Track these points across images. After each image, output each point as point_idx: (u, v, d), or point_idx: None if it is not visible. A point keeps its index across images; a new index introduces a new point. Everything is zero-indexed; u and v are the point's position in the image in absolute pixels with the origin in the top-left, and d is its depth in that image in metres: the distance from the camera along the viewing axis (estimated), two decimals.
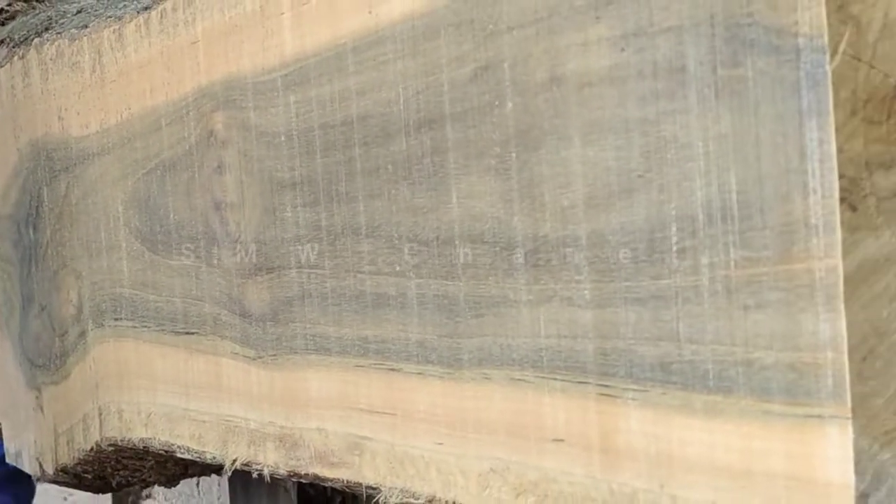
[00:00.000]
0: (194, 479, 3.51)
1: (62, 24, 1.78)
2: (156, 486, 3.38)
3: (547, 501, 0.96)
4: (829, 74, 0.73)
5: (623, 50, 0.86)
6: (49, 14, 1.88)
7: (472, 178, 1.00)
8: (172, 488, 3.27)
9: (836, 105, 0.73)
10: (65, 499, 4.72)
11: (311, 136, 1.19)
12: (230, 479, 2.38)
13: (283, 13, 1.22)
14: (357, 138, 1.13)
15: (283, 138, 1.23)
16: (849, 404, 0.73)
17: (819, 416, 0.75)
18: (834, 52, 0.73)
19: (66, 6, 1.91)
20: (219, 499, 3.33)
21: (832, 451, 0.74)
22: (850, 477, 0.73)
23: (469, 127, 1.00)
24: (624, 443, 0.89)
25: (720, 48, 0.79)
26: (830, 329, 0.74)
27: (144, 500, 3.84)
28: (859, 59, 0.74)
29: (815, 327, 0.75)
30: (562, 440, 0.94)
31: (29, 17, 1.97)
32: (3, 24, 2.03)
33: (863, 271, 0.74)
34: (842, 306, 0.73)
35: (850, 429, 0.73)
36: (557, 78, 0.91)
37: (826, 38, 0.73)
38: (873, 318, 0.74)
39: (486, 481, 1.02)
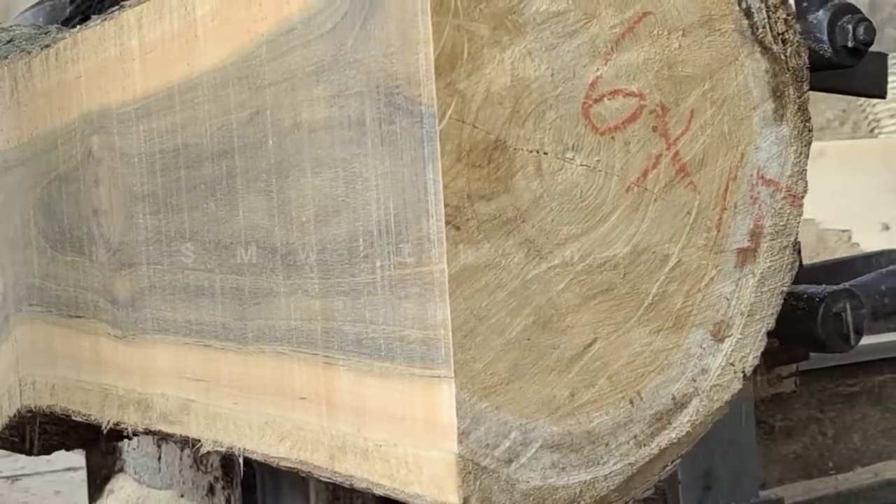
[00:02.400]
0: (156, 454, 3.80)
1: None
2: (127, 461, 3.69)
3: (297, 445, 1.26)
4: (438, 133, 1.02)
5: (332, 106, 1.15)
6: None
7: (251, 198, 1.30)
8: (140, 462, 3.57)
9: (443, 154, 1.02)
10: None
11: (154, 158, 1.49)
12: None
13: (134, 59, 1.51)
14: (182, 162, 1.43)
15: (136, 159, 1.53)
16: (453, 367, 1.03)
17: (438, 377, 1.04)
18: (442, 117, 1.02)
19: (3, 34, 2.21)
20: (180, 472, 3.62)
21: (445, 401, 1.04)
22: (454, 419, 1.03)
23: (249, 158, 1.30)
24: (339, 399, 1.19)
25: (383, 109, 1.08)
26: (442, 314, 1.03)
27: (117, 472, 4.14)
28: (463, 122, 1.03)
29: (435, 312, 1.04)
30: (304, 398, 1.24)
31: None
32: None
33: (465, 273, 1.03)
34: (448, 298, 1.02)
35: (453, 385, 1.03)
36: (297, 124, 1.21)
37: (436, 107, 1.02)
38: (474, 307, 1.04)
39: (263, 431, 1.32)
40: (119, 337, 1.63)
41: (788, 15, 1.21)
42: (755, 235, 1.18)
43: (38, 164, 1.85)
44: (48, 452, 2.30)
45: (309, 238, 1.20)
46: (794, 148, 1.20)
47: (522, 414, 1.06)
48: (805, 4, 1.64)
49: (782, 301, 1.21)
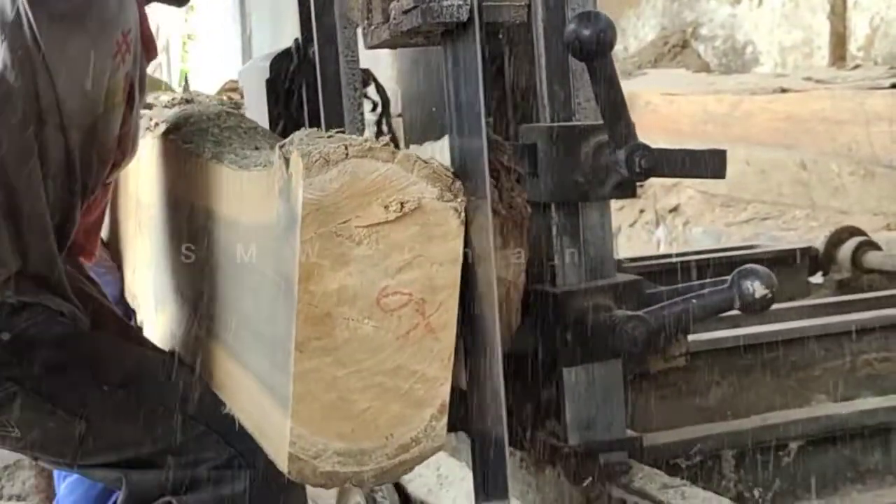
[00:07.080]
0: None
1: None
2: None
3: (257, 429, 2.54)
4: (297, 308, 2.26)
5: (275, 273, 2.41)
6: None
7: (265, 303, 2.58)
8: None
9: (298, 319, 2.26)
10: None
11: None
12: None
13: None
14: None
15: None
16: (290, 414, 2.27)
17: (287, 417, 2.29)
18: (299, 302, 2.26)
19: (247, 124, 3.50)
20: None
21: (287, 428, 2.29)
22: (288, 436, 2.28)
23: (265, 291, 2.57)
24: (266, 416, 2.46)
25: (286, 291, 2.33)
26: (292, 389, 2.28)
27: None
28: (310, 304, 2.26)
29: (291, 388, 2.28)
30: (260, 405, 2.52)
31: None
32: None
33: (303, 372, 2.26)
34: (293, 383, 2.27)
35: (289, 422, 2.27)
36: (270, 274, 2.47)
37: (298, 298, 2.26)
38: (307, 388, 2.27)
39: (253, 415, 2.61)
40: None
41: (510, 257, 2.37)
42: None
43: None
44: None
45: (262, 329, 2.48)
46: None
47: (325, 437, 2.29)
48: (613, 146, 2.64)
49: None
